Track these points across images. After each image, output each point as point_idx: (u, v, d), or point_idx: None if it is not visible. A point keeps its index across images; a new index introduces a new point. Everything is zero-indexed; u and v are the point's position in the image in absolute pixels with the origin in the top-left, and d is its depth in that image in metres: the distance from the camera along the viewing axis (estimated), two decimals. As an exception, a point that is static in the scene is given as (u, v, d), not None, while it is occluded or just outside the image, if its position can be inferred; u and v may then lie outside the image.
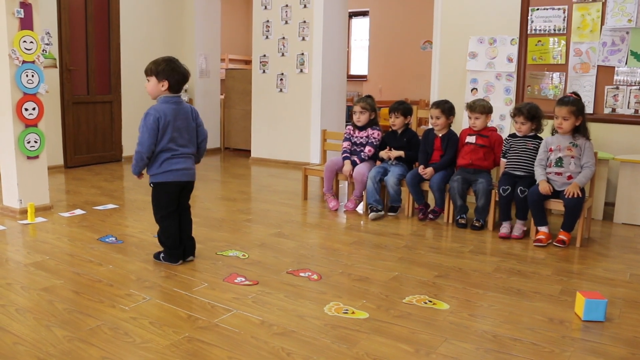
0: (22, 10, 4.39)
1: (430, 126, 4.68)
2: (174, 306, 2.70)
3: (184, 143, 3.27)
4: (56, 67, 6.82)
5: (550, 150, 3.92)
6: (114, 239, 3.88)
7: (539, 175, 3.92)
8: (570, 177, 3.84)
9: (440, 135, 4.53)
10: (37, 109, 4.57)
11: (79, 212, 4.68)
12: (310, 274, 3.16)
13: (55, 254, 3.54)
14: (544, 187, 3.81)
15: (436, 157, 4.51)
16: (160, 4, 8.16)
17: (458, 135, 4.51)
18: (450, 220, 4.38)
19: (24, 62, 4.43)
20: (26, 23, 4.44)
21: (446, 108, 4.49)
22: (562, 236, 3.80)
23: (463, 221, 4.26)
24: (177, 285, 2.97)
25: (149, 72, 3.26)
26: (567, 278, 3.18)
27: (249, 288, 2.94)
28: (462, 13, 5.16)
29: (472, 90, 5.15)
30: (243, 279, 3.06)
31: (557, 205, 3.87)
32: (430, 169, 4.39)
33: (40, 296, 2.84)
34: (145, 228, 4.13)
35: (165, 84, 3.21)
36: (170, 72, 3.21)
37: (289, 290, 2.92)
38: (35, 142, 4.58)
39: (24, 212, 4.50)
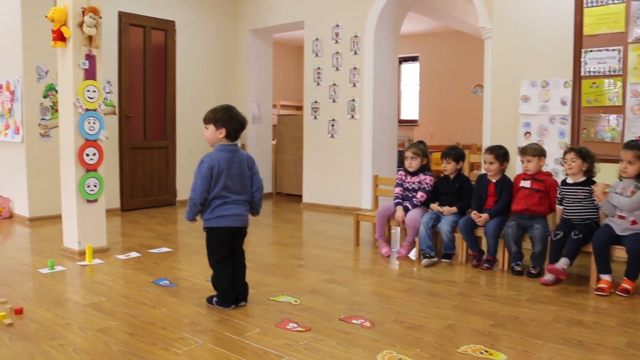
0: (87, 61, 4.61)
1: (483, 171, 4.63)
2: (226, 351, 2.70)
3: (237, 190, 3.33)
4: (115, 114, 7.09)
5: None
6: (167, 282, 3.94)
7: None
8: (634, 222, 3.70)
9: (494, 180, 4.47)
10: (97, 154, 4.74)
11: (134, 254, 4.78)
12: (362, 321, 3.13)
13: (111, 296, 3.61)
14: None
15: (490, 203, 4.44)
16: (215, 52, 8.43)
17: (512, 180, 4.45)
18: (506, 267, 4.28)
19: (86, 110, 4.64)
20: (90, 73, 4.66)
21: (500, 154, 4.44)
22: (626, 284, 3.64)
23: (519, 268, 4.15)
24: (230, 330, 2.98)
25: (207, 120, 3.36)
26: (633, 330, 3.03)
27: (301, 334, 2.92)
28: (513, 56, 5.13)
29: (525, 134, 5.08)
30: (295, 325, 3.05)
31: (619, 252, 3.73)
32: (485, 215, 4.32)
33: (97, 337, 2.89)
34: (199, 272, 4.18)
35: (223, 131, 3.30)
36: (228, 120, 3.30)
37: (341, 337, 2.89)
38: (95, 186, 4.74)
39: (82, 254, 4.63)
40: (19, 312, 3.25)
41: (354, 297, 3.61)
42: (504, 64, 5.23)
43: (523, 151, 4.32)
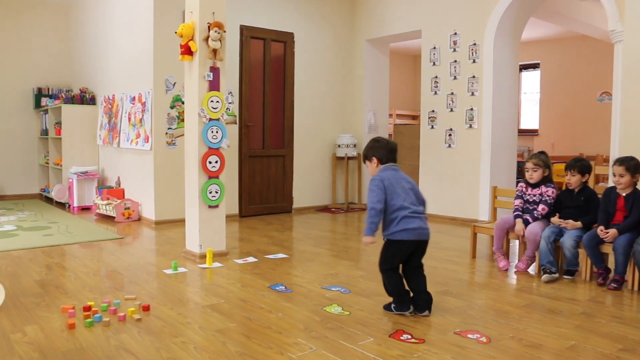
0: (211, 74, 4.84)
1: (611, 184, 4.36)
2: (339, 358, 2.72)
3: (414, 202, 3.48)
4: (236, 123, 7.38)
5: None
6: (283, 287, 4.03)
7: None
8: None
9: (624, 194, 4.19)
10: (219, 162, 4.95)
11: (251, 259, 4.94)
12: (478, 336, 3.04)
13: (229, 298, 3.75)
14: None
15: (619, 218, 4.16)
16: (332, 62, 8.56)
17: (644, 194, 4.15)
18: (636, 288, 3.99)
19: (210, 119, 4.86)
20: (214, 85, 4.88)
21: (631, 165, 4.15)
22: None
23: (651, 289, 3.87)
24: (344, 338, 2.99)
25: (364, 157, 3.66)
26: None
27: (415, 346, 2.89)
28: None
29: (660, 145, 4.74)
30: (409, 336, 3.02)
31: None
32: (613, 231, 4.06)
33: (215, 337, 3.01)
34: (314, 279, 4.25)
35: (375, 160, 3.56)
36: (376, 150, 3.57)
37: (456, 351, 2.82)
38: (216, 192, 4.95)
39: (203, 257, 4.85)
40: (146, 308, 3.46)
41: (470, 310, 3.52)
42: (636, 69, 4.91)
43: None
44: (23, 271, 4.47)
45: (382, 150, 3.55)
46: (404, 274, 3.47)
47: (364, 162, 3.67)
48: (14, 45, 9.32)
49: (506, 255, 4.80)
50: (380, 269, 3.49)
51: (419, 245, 3.45)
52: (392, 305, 3.46)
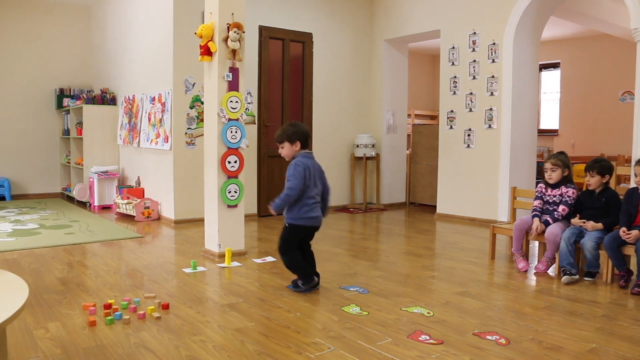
0: (230, 74, 4.87)
1: (633, 185, 4.31)
2: (357, 358, 2.72)
3: (318, 192, 3.91)
4: (255, 123, 7.41)
5: None
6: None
7: None
8: None
9: (645, 195, 4.15)
10: (238, 162, 4.98)
11: (269, 259, 4.96)
12: (497, 337, 3.02)
13: (248, 297, 3.77)
14: None
15: (641, 219, 4.13)
16: (351, 62, 8.56)
17: (667, 195, 4.10)
18: (658, 290, 3.95)
19: (229, 119, 4.88)
20: (233, 85, 4.91)
21: (653, 166, 4.11)
22: None
23: (674, 292, 3.82)
24: (362, 338, 3.00)
25: (280, 138, 3.89)
26: None
27: (433, 347, 2.88)
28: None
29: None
30: (427, 337, 3.01)
31: None
32: (635, 232, 4.01)
33: (234, 336, 3.03)
34: (331, 278, 4.26)
35: (298, 144, 3.87)
36: (299, 134, 3.86)
37: (475, 352, 2.81)
38: (235, 192, 4.98)
39: (222, 256, 4.88)
40: (165, 307, 3.49)
41: (489, 312, 3.50)
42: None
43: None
44: (45, 269, 4.53)
45: (303, 136, 3.86)
46: None
47: (281, 143, 3.87)
48: (37, 47, 9.45)
49: (525, 256, 4.77)
50: (280, 251, 3.90)
51: (313, 231, 3.96)
52: (299, 282, 3.85)
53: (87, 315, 3.34)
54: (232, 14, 4.87)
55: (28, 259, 4.90)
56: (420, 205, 8.89)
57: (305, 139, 3.89)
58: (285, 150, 3.88)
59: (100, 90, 9.11)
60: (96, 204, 8.11)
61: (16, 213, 7.60)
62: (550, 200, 4.63)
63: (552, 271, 4.55)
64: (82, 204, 8.61)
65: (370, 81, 8.84)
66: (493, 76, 7.07)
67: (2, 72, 9.22)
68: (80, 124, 8.78)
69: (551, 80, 11.77)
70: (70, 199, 9.21)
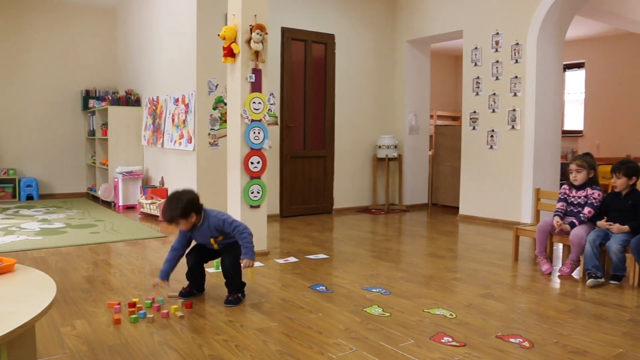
0: (253, 75, 4.90)
1: (660, 187, 4.25)
2: (380, 360, 2.72)
3: None
4: (277, 124, 7.44)
5: None
6: (324, 287, 4.05)
7: None
8: None
9: (673, 197, 4.08)
10: (261, 162, 5.00)
11: (292, 259, 4.98)
12: (521, 340, 3.00)
13: (270, 298, 3.79)
14: None
15: (668, 222, 4.06)
16: (373, 63, 8.56)
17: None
18: (686, 294, 3.89)
19: (252, 120, 4.91)
20: (256, 86, 4.94)
21: (681, 167, 4.05)
22: None
23: (702, 295, 3.76)
24: (384, 340, 3.00)
25: (176, 219, 3.58)
26: None
27: (456, 349, 2.87)
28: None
29: None
30: (450, 339, 3.00)
31: None
32: (661, 235, 3.96)
33: (256, 335, 3.05)
34: (354, 280, 4.26)
35: (194, 215, 3.61)
36: (190, 206, 3.59)
37: (498, 355, 2.79)
38: (258, 192, 5.00)
39: (245, 257, 4.90)
40: (189, 306, 3.53)
41: (512, 314, 3.48)
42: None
43: None
44: (72, 267, 4.60)
45: (196, 202, 3.65)
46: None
47: (179, 221, 3.59)
48: (63, 50, 9.61)
49: (549, 258, 4.72)
50: (238, 285, 3.73)
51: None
52: (241, 295, 3.72)
53: (112, 313, 3.39)
54: (255, 15, 4.90)
55: (55, 257, 4.98)
56: (442, 206, 8.85)
57: (197, 205, 3.65)
58: (186, 226, 3.63)
59: (125, 91, 9.22)
60: (120, 203, 8.20)
61: (43, 212, 7.72)
62: (575, 202, 4.59)
63: (576, 274, 4.50)
64: (107, 204, 8.72)
65: (392, 82, 8.82)
66: (516, 77, 7.01)
67: (32, 75, 9.39)
68: (105, 125, 8.89)
69: (575, 81, 11.64)
70: (95, 199, 9.33)
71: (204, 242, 3.76)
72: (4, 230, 6.29)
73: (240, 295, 3.70)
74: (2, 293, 1.91)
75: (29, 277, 2.15)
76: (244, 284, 3.77)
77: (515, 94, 7.04)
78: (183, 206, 3.55)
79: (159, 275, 3.70)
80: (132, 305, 3.43)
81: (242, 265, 3.63)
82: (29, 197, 9.20)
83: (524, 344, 2.95)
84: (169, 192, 4.22)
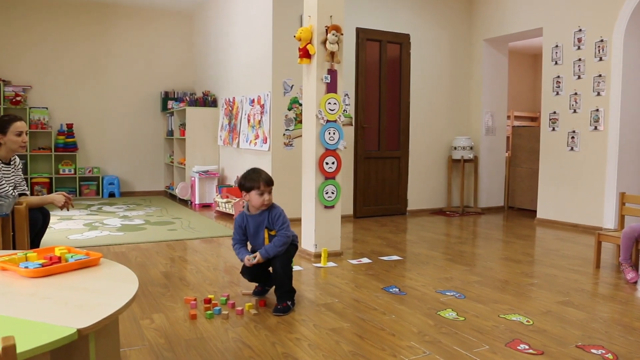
0: (329, 76, 4.91)
1: None
2: (454, 365, 2.67)
3: None
4: (352, 125, 7.44)
5: None
6: (397, 289, 4.01)
7: None
8: None
9: None
10: (335, 163, 5.02)
11: (365, 260, 4.96)
12: (603, 351, 2.87)
13: (343, 298, 3.79)
14: None
15: None
16: (448, 63, 8.42)
17: None
18: None
19: (327, 121, 4.93)
20: (331, 87, 4.95)
21: None
22: None
23: None
24: (458, 344, 2.94)
25: (262, 185, 3.63)
26: None
27: (533, 357, 2.78)
28: None
29: None
30: (526, 347, 2.91)
31: None
32: None
33: (329, 335, 3.05)
34: (428, 282, 4.20)
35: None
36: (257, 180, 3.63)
37: (579, 365, 2.69)
38: (332, 193, 5.02)
39: (317, 256, 4.93)
40: (262, 304, 3.57)
41: (593, 324, 3.34)
42: None
43: None
44: (150, 262, 4.76)
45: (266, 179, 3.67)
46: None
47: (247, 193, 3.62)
48: (144, 53, 9.98)
49: (635, 266, 4.50)
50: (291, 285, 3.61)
51: None
52: (290, 303, 3.54)
53: (188, 308, 3.48)
54: (331, 16, 4.91)
55: (134, 252, 5.17)
56: (519, 209, 8.61)
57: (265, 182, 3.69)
58: (252, 195, 3.64)
59: (202, 92, 9.45)
60: (197, 202, 8.42)
61: (124, 209, 8.03)
62: (664, 207, 4.36)
63: (664, 283, 4.27)
64: (184, 202, 8.97)
65: (468, 82, 8.65)
66: (600, 75, 6.73)
67: (114, 77, 9.80)
68: (183, 125, 9.15)
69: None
70: (173, 197, 9.62)
71: (256, 233, 3.67)
72: (89, 225, 6.59)
73: (289, 303, 3.51)
74: (89, 285, 2.01)
75: (113, 271, 2.24)
76: (294, 291, 3.61)
77: (598, 93, 6.76)
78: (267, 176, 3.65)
79: (243, 258, 3.60)
80: (208, 301, 3.51)
81: (248, 256, 3.56)
82: (111, 195, 9.61)
83: (607, 355, 2.82)
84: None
